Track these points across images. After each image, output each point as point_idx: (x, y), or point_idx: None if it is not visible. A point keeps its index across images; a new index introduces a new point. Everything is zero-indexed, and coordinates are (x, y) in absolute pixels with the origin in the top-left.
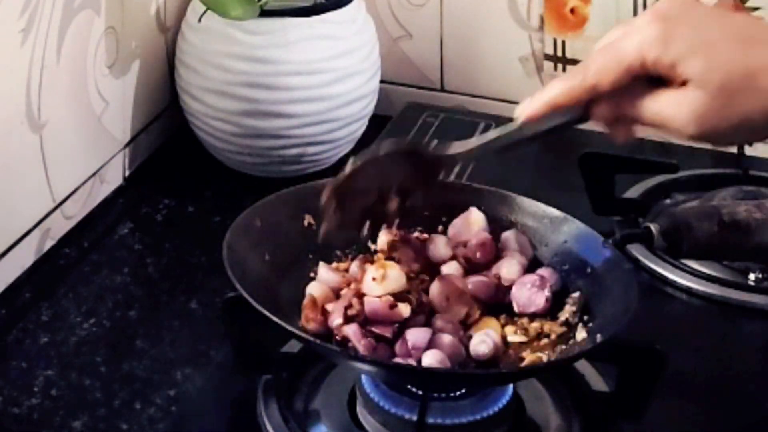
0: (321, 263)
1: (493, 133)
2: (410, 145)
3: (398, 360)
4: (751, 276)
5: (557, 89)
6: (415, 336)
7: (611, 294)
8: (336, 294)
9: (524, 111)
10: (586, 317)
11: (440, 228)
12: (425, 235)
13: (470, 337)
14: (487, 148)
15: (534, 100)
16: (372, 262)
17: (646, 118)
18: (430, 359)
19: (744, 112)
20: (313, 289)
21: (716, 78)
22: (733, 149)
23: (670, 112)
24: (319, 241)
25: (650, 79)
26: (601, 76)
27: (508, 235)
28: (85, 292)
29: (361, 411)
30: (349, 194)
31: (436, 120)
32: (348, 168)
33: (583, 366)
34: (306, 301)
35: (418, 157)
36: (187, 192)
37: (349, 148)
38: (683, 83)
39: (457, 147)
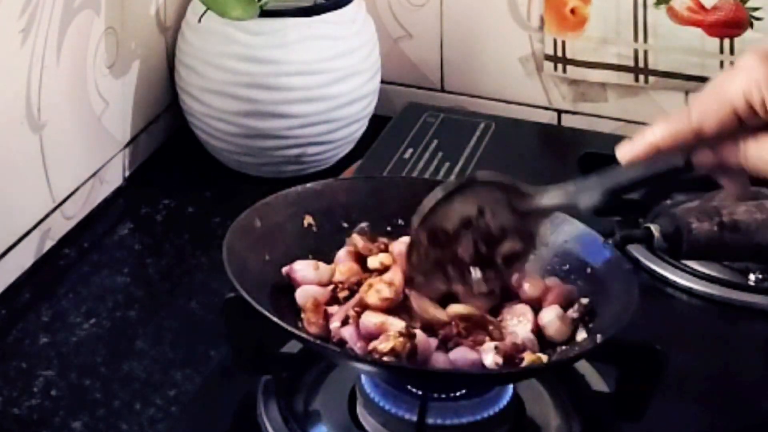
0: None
1: (589, 179)
2: (503, 181)
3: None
4: (751, 276)
5: (659, 131)
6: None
7: (611, 295)
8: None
9: (626, 153)
10: (586, 318)
11: None
12: None
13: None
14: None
15: (635, 141)
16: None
17: (750, 165)
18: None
19: None
20: (313, 292)
21: None
22: None
23: None
24: (406, 290)
25: (758, 124)
26: (705, 118)
27: None
28: (85, 292)
29: (361, 411)
30: (440, 236)
31: (436, 120)
32: (436, 195)
33: (583, 366)
34: (308, 304)
35: (512, 196)
36: (187, 192)
37: (349, 149)
38: None
39: (552, 191)
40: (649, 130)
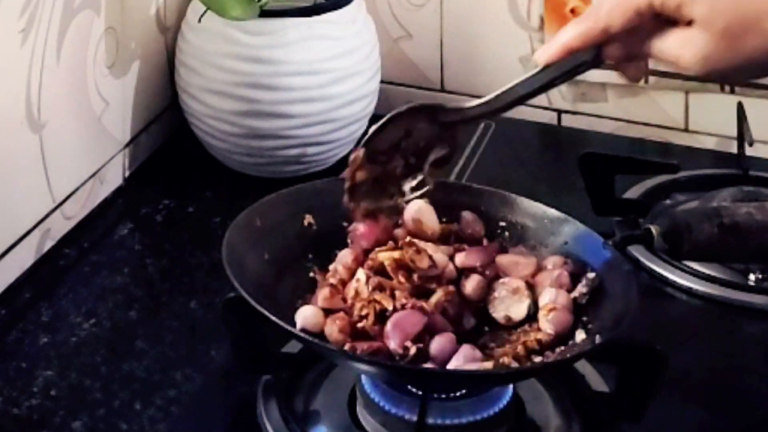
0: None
1: (510, 85)
2: (428, 103)
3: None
4: (751, 276)
5: (571, 33)
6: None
7: (611, 295)
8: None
9: (542, 56)
10: (585, 318)
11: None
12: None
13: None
14: (506, 98)
15: (550, 45)
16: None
17: (655, 56)
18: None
19: (747, 53)
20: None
21: (719, 20)
22: (734, 149)
23: (676, 51)
24: (345, 204)
25: (659, 18)
26: (612, 18)
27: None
28: (85, 292)
29: (361, 411)
30: (377, 156)
31: None
32: (374, 126)
33: (583, 366)
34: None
35: (437, 114)
36: (187, 192)
37: (350, 149)
38: (689, 23)
39: (475, 102)
40: (562, 32)
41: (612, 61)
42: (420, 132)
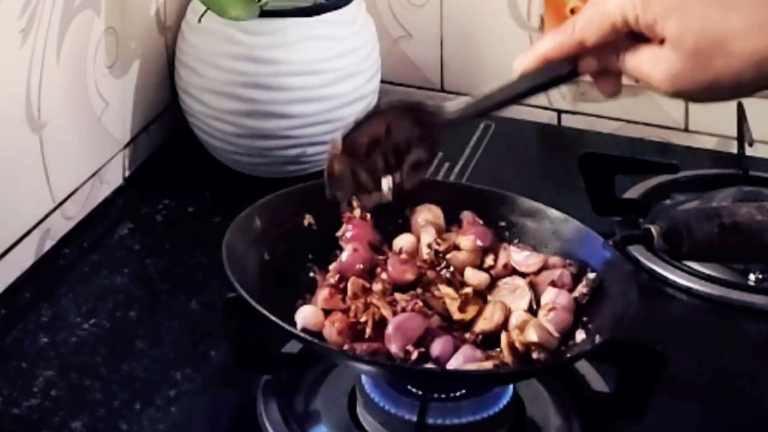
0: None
1: (488, 90)
2: (409, 102)
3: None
4: (751, 276)
5: (548, 43)
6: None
7: (611, 295)
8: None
9: (519, 64)
10: (585, 318)
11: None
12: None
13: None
14: (485, 104)
15: (527, 54)
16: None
17: (627, 71)
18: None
19: (714, 76)
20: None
21: (689, 40)
22: (734, 149)
23: (647, 68)
24: (327, 195)
25: (634, 35)
26: (586, 32)
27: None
28: (85, 292)
29: (361, 411)
30: (357, 149)
31: None
32: (354, 119)
33: (583, 366)
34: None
35: (418, 115)
36: (187, 192)
37: None
38: (662, 42)
39: (455, 105)
40: (539, 43)
41: (587, 74)
42: (400, 131)
